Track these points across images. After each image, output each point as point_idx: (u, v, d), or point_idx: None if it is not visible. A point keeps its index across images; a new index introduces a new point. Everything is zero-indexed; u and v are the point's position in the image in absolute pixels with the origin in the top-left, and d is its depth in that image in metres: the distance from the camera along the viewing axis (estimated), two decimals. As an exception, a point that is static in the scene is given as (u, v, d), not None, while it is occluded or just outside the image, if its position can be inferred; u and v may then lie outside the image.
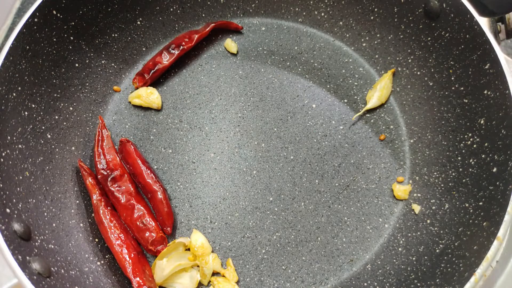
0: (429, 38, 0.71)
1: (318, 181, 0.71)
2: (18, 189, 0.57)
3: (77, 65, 0.72)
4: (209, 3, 0.81)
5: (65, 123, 0.70)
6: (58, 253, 0.58)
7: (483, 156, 0.61)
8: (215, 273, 0.65)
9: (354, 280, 0.64)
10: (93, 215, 0.66)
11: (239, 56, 0.81)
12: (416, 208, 0.67)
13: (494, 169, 0.58)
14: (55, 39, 0.67)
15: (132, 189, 0.67)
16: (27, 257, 0.52)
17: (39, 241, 0.56)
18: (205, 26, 0.80)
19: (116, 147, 0.72)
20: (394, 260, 0.64)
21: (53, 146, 0.67)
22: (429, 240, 0.63)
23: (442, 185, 0.67)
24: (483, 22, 0.62)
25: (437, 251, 0.61)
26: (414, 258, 0.63)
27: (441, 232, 0.63)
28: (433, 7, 0.68)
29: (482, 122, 0.62)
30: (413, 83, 0.74)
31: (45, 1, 0.63)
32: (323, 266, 0.66)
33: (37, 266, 0.52)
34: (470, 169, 0.63)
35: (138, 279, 0.59)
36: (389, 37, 0.76)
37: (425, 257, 0.62)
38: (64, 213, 0.64)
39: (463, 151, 0.65)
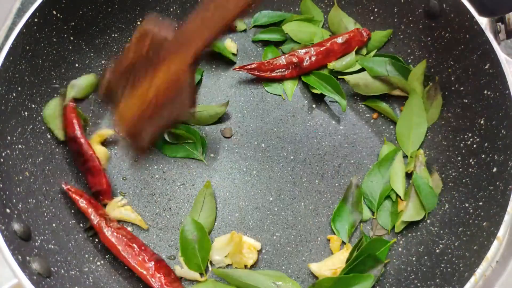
0: (429, 38, 0.71)
1: (318, 181, 0.70)
2: (18, 189, 0.57)
3: (77, 65, 0.72)
4: (209, 3, 0.81)
5: (65, 123, 0.70)
6: (58, 253, 0.58)
7: (483, 156, 0.61)
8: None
9: (354, 280, 0.64)
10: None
11: (239, 56, 0.81)
12: (416, 208, 0.68)
13: (494, 169, 0.58)
14: (55, 39, 0.67)
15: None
16: (27, 257, 0.52)
17: (39, 241, 0.56)
18: (205, 26, 0.79)
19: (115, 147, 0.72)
20: (394, 260, 0.64)
21: (53, 146, 0.67)
22: (429, 240, 0.63)
23: (442, 185, 0.67)
24: (483, 22, 0.62)
25: (437, 251, 0.61)
26: (414, 258, 0.63)
27: (441, 232, 0.63)
28: (433, 7, 0.68)
29: (482, 122, 0.62)
30: (413, 83, 0.74)
31: (45, 1, 0.63)
32: (323, 266, 0.65)
33: (37, 266, 0.52)
34: (470, 169, 0.63)
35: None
36: (389, 37, 0.76)
37: (425, 257, 0.62)
38: (64, 213, 0.64)
39: (463, 151, 0.65)
